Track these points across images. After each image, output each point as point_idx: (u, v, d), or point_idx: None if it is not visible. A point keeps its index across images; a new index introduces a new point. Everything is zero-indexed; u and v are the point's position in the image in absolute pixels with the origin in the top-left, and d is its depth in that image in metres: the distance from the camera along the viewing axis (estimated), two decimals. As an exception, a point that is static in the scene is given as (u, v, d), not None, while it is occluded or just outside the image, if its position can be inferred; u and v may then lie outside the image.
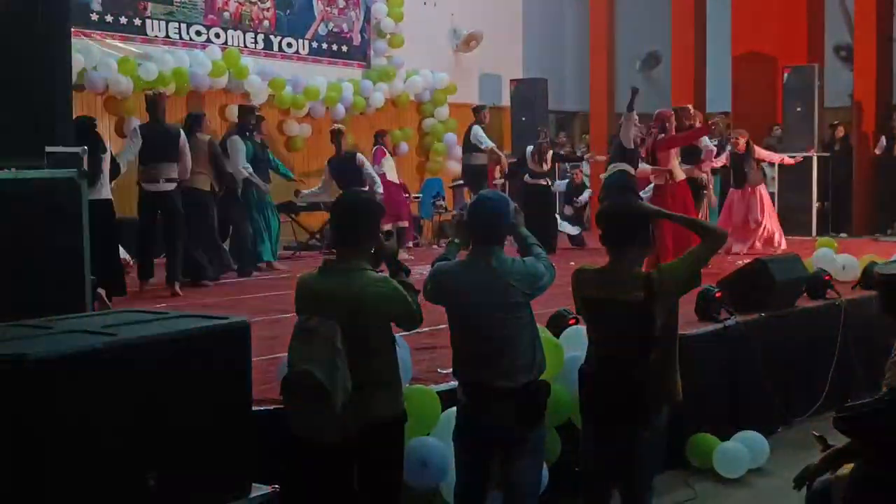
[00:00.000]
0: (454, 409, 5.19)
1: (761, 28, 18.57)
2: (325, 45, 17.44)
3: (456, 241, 5.27)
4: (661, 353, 4.90)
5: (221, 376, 4.11)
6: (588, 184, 18.96)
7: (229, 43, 15.77)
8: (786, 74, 17.56)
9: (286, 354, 4.56)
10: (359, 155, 13.27)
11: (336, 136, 13.29)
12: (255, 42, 16.29)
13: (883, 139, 17.40)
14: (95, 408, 3.57)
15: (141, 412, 3.73)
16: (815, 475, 4.58)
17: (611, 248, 5.00)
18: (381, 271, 4.69)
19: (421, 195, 17.37)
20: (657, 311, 4.83)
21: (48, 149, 5.33)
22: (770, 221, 13.37)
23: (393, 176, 14.16)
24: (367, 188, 12.57)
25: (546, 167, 14.35)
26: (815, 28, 18.96)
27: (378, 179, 13.08)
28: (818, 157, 16.92)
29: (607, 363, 4.98)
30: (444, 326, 5.09)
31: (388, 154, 14.31)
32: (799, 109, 17.14)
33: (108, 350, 3.64)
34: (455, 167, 18.08)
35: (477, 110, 15.73)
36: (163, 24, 14.98)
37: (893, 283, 4.94)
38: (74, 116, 6.93)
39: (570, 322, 7.10)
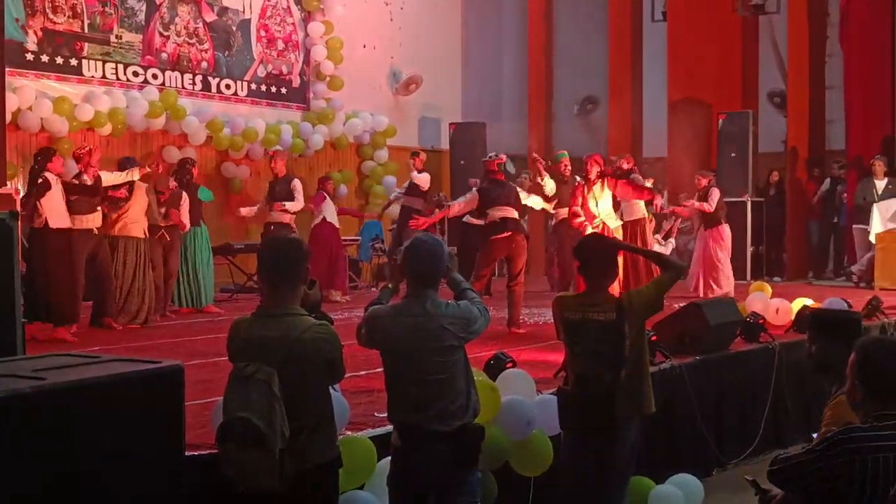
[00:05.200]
0: (389, 458, 5.17)
1: (697, 74, 18.80)
2: (264, 87, 17.42)
3: (389, 286, 5.32)
4: (631, 370, 5.48)
5: (154, 421, 4.07)
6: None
7: (167, 84, 15.68)
8: (720, 120, 17.80)
9: (222, 398, 4.52)
10: None
11: None
12: (194, 83, 16.22)
13: (828, 181, 17.69)
14: (23, 453, 3.52)
15: (71, 457, 3.67)
16: None
17: (587, 277, 5.71)
18: None
19: (360, 237, 17.33)
20: (627, 330, 5.47)
21: (-20, 190, 5.26)
22: None
23: (333, 219, 14.17)
24: None
25: None
26: (750, 75, 19.25)
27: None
28: (752, 202, 17.14)
29: (583, 380, 5.56)
30: (381, 370, 5.08)
31: (328, 199, 14.27)
32: (733, 155, 17.36)
33: (36, 395, 3.59)
34: (394, 209, 18.08)
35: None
36: (99, 64, 14.87)
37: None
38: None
39: (508, 365, 7.11)
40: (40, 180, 10.11)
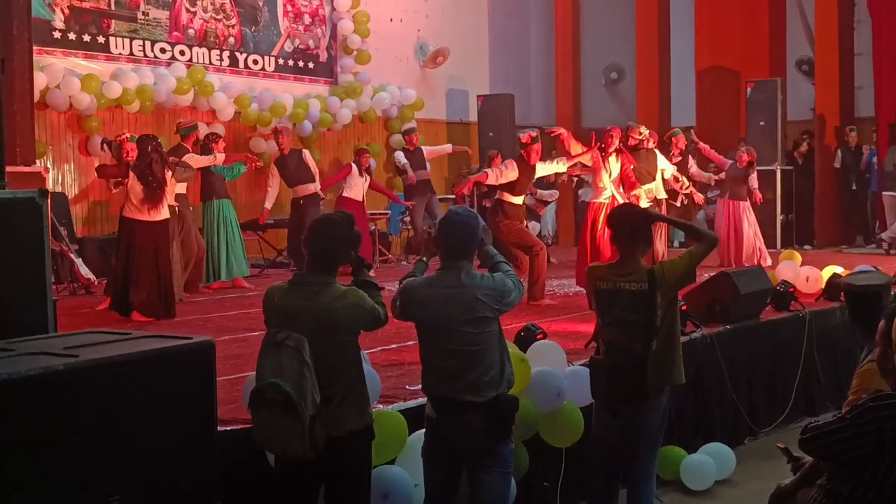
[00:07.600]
0: (421, 432, 5.20)
1: (724, 43, 18.69)
2: (291, 62, 17.39)
3: (424, 259, 5.35)
4: (662, 340, 5.48)
5: (186, 397, 4.09)
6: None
7: (194, 60, 15.68)
8: (749, 89, 17.67)
9: (253, 373, 4.55)
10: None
11: None
12: (221, 59, 16.21)
13: (839, 153, 17.54)
14: (58, 430, 3.55)
15: (104, 434, 3.70)
16: (788, 497, 4.65)
17: (620, 246, 5.68)
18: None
19: (389, 211, 17.32)
20: (659, 301, 5.47)
21: (9, 168, 5.28)
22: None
23: (356, 194, 14.08)
24: None
25: None
26: (777, 42, 19.09)
27: None
28: (781, 171, 17.02)
29: (614, 349, 5.56)
30: (412, 343, 5.11)
31: (354, 172, 14.18)
32: (762, 123, 17.23)
33: (69, 372, 3.62)
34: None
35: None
36: (127, 41, 14.88)
37: (859, 294, 5.21)
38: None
39: (538, 337, 7.11)
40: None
